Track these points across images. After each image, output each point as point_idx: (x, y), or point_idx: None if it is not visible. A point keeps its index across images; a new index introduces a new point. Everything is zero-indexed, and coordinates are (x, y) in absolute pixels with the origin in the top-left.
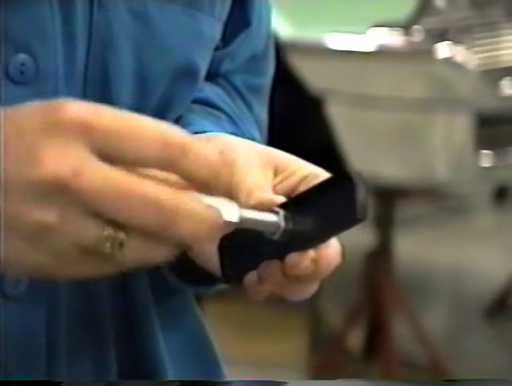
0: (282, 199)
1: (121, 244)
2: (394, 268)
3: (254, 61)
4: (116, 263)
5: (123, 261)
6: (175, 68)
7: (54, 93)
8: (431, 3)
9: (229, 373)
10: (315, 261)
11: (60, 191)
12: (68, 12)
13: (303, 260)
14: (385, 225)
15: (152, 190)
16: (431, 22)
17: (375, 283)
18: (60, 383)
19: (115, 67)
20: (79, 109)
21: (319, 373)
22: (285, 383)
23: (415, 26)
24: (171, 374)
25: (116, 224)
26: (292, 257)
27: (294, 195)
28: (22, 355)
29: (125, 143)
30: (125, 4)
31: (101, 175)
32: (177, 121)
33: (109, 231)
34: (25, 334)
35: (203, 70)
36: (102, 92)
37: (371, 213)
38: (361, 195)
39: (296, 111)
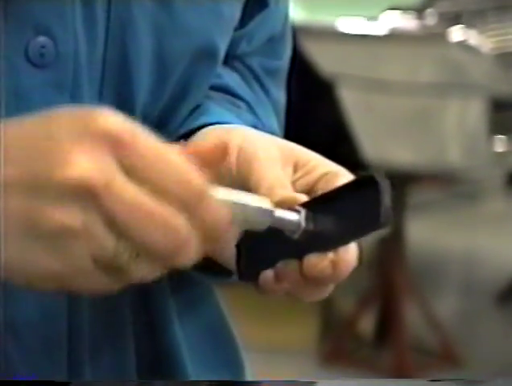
0: (304, 198)
1: (136, 256)
2: (406, 254)
3: (272, 43)
4: (127, 276)
5: (135, 275)
6: (194, 49)
7: (73, 76)
8: None
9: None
10: (333, 264)
11: (89, 197)
12: None
13: (322, 261)
14: (397, 211)
15: (172, 219)
16: (444, 5)
17: (387, 268)
18: (69, 383)
19: (134, 48)
20: (116, 123)
21: (330, 358)
22: (313, 383)
23: (429, 10)
24: (189, 364)
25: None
26: (311, 258)
27: (316, 194)
28: (44, 343)
29: (151, 172)
30: None
31: (130, 193)
32: (196, 109)
33: (126, 243)
34: (46, 322)
35: (222, 51)
36: (121, 74)
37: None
38: (387, 200)
39: (308, 95)
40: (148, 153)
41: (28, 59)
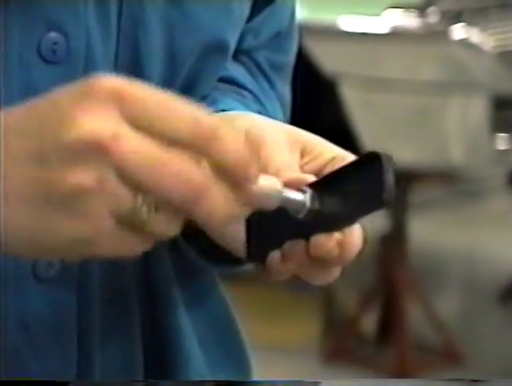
0: (311, 178)
1: (156, 210)
2: (409, 252)
3: (278, 38)
4: (149, 232)
5: (157, 229)
6: (204, 45)
7: (85, 72)
8: None
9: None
10: (340, 244)
11: (99, 153)
12: None
13: (329, 241)
14: (399, 209)
15: (185, 165)
16: (446, 3)
17: (389, 267)
18: (68, 383)
19: (146, 44)
20: (113, 80)
21: (332, 357)
22: (318, 383)
23: (431, 8)
24: (195, 357)
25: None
26: (317, 238)
27: (321, 175)
28: (54, 337)
29: (156, 117)
30: None
31: (138, 143)
32: (203, 99)
33: (144, 196)
34: (56, 317)
35: (232, 46)
36: (133, 70)
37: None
38: (389, 177)
39: (310, 94)
40: (151, 101)
41: (40, 56)
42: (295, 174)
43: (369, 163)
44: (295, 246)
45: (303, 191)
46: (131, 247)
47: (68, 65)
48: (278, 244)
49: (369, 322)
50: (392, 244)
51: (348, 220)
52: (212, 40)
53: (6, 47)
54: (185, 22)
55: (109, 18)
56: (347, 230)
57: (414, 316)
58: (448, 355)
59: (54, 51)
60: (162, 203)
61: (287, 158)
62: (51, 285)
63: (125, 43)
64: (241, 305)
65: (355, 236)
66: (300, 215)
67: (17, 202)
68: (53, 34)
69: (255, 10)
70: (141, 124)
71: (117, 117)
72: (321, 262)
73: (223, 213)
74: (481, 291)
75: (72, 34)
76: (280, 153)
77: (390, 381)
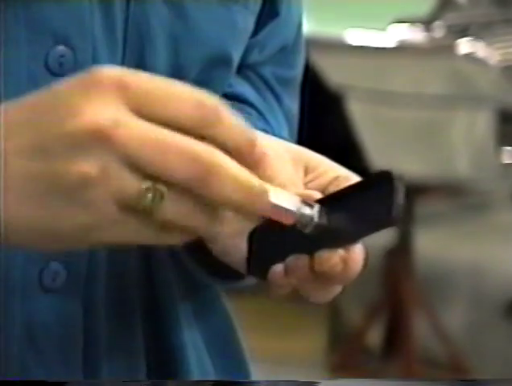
0: (318, 195)
1: (162, 196)
2: (414, 265)
3: (284, 53)
4: (155, 218)
5: (163, 218)
6: (208, 58)
7: None
8: None
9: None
10: (344, 261)
11: (101, 141)
12: (106, 4)
13: (333, 257)
14: (405, 222)
15: (190, 144)
16: (452, 18)
17: (395, 280)
18: (65, 382)
19: (151, 57)
20: (115, 70)
21: (338, 370)
22: (317, 382)
23: (436, 22)
24: (196, 368)
25: (154, 178)
26: (322, 253)
27: (328, 192)
28: (59, 346)
29: (159, 102)
30: None
31: (140, 128)
32: None
33: (149, 183)
34: (62, 326)
35: (236, 60)
36: None
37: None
38: (400, 197)
39: (316, 107)
40: (153, 84)
41: (48, 69)
42: (300, 191)
43: (379, 182)
44: (298, 260)
45: (311, 206)
46: (137, 234)
47: None
48: (281, 258)
49: (375, 335)
50: (398, 257)
51: (354, 238)
52: (215, 53)
53: (14, 61)
54: (189, 35)
55: (115, 30)
56: (351, 247)
57: (420, 329)
58: (454, 368)
59: (61, 64)
60: (167, 188)
61: (292, 174)
62: (57, 295)
63: (131, 55)
64: (246, 319)
65: (358, 253)
66: (307, 230)
67: (21, 193)
68: (60, 48)
69: (260, 24)
70: (144, 110)
71: (119, 105)
72: (323, 278)
73: (233, 191)
74: (487, 304)
75: (78, 48)
76: (285, 170)
77: (389, 382)
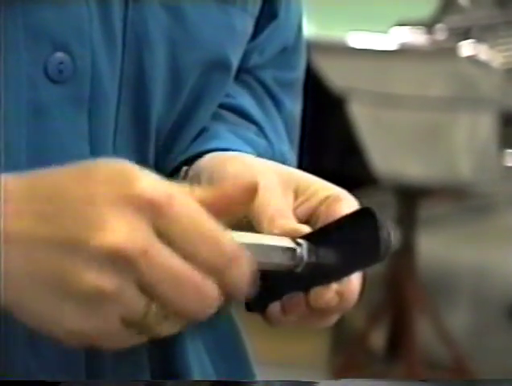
0: (306, 228)
1: (166, 317)
2: (417, 268)
3: (285, 55)
4: (153, 333)
5: (162, 333)
6: (207, 61)
7: (91, 91)
8: (454, 1)
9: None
10: (339, 294)
11: (125, 264)
12: (105, 9)
13: (328, 293)
14: (408, 225)
15: (204, 285)
16: (454, 20)
17: (398, 282)
18: (59, 382)
19: (150, 62)
20: (154, 188)
21: (341, 373)
22: (315, 383)
23: (438, 25)
24: (197, 371)
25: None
26: (316, 290)
27: (316, 221)
28: (63, 355)
29: (186, 238)
30: (160, 0)
31: (166, 260)
32: (203, 131)
33: (157, 306)
34: None
35: (235, 64)
36: (137, 88)
37: (394, 212)
38: (384, 233)
39: (318, 110)
40: (183, 219)
41: (47, 75)
42: (288, 223)
43: (362, 219)
44: (294, 298)
45: (299, 245)
46: (131, 342)
47: (75, 84)
48: (278, 297)
49: (379, 338)
50: (401, 260)
51: (345, 272)
52: (214, 57)
53: (13, 67)
54: (188, 39)
55: (114, 36)
56: (345, 279)
57: (423, 332)
58: (458, 371)
59: (60, 71)
60: (173, 312)
61: (281, 203)
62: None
63: (130, 60)
64: (250, 322)
65: (353, 283)
66: (298, 269)
67: (30, 283)
68: (59, 54)
69: (259, 28)
70: (170, 238)
71: (149, 230)
72: (321, 311)
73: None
74: (490, 307)
75: (77, 54)
76: (273, 200)
77: (388, 382)
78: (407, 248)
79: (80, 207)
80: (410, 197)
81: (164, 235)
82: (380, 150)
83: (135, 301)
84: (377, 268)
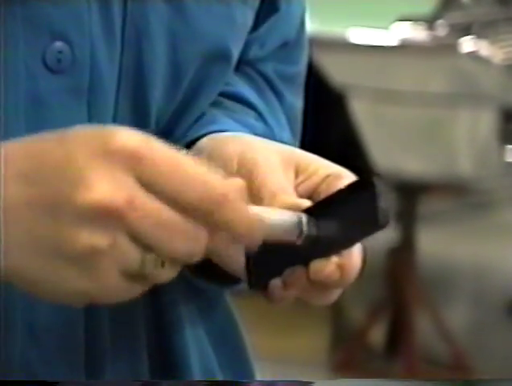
0: (307, 203)
1: (162, 265)
2: (417, 264)
3: (286, 49)
4: (151, 282)
5: (159, 280)
6: (207, 53)
7: (90, 81)
8: None
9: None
10: (340, 267)
11: (113, 218)
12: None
13: (328, 266)
14: (408, 221)
15: (195, 231)
16: (455, 16)
17: (397, 279)
18: (57, 383)
19: (149, 54)
20: (131, 139)
21: (341, 369)
22: (311, 383)
23: (439, 21)
24: (198, 370)
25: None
26: (317, 263)
27: (316, 199)
28: (62, 345)
29: (170, 183)
30: None
31: (153, 208)
32: (201, 117)
33: (153, 254)
34: (64, 324)
35: (235, 56)
36: (137, 79)
37: (394, 208)
38: (383, 201)
39: (319, 106)
40: (165, 165)
41: (45, 65)
42: (290, 198)
43: (361, 188)
44: (295, 273)
45: (300, 217)
46: (132, 294)
47: (73, 74)
48: (279, 272)
49: (378, 334)
50: (400, 256)
51: (346, 244)
52: (214, 48)
53: (11, 57)
54: (188, 31)
55: (113, 26)
56: (346, 252)
57: (422, 328)
58: (457, 367)
59: (59, 60)
60: (167, 259)
61: (282, 180)
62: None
63: (129, 51)
64: (250, 317)
65: (354, 257)
66: (298, 242)
67: (25, 248)
68: (58, 44)
69: (260, 20)
70: (154, 187)
71: (133, 182)
72: (322, 285)
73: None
74: (490, 303)
75: (76, 43)
76: (274, 176)
77: (386, 382)
78: (407, 244)
79: (61, 166)
80: (410, 193)
81: (148, 183)
82: (380, 146)
83: (130, 253)
84: (377, 265)
